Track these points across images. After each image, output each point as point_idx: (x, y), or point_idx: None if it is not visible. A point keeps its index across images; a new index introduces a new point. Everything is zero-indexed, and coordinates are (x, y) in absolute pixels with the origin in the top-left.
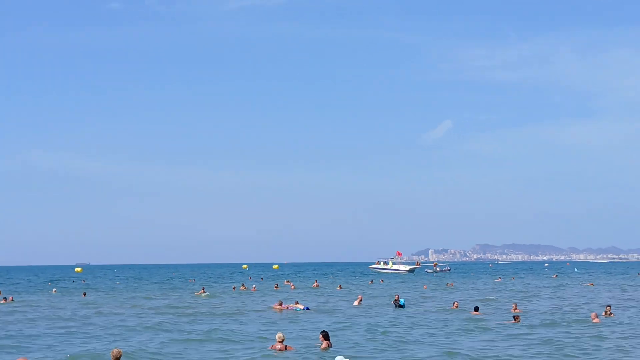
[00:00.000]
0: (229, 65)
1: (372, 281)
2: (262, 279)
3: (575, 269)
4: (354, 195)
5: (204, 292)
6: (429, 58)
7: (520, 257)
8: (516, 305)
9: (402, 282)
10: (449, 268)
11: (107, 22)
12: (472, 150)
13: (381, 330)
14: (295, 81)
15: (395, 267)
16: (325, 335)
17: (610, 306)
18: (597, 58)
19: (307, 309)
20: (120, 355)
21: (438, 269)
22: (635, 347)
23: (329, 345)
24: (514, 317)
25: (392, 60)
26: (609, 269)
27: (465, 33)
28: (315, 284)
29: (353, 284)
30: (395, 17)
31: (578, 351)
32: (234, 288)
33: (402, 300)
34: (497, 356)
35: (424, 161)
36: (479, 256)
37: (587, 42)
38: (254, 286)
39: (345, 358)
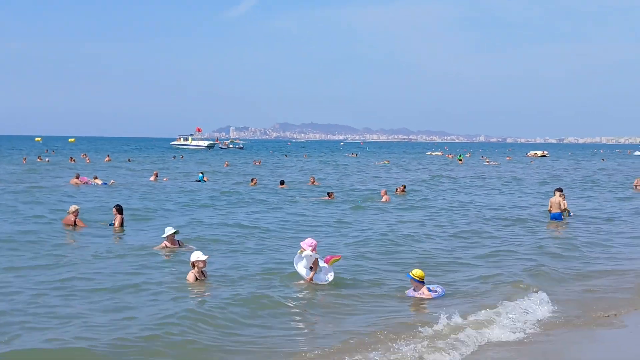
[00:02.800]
0: None
1: (174, 157)
2: (53, 152)
3: (367, 148)
4: (156, 71)
5: None
6: None
7: (318, 136)
8: (314, 179)
9: (203, 158)
10: (242, 146)
11: None
12: (276, 28)
13: (175, 203)
14: None
15: (194, 143)
16: (119, 209)
17: (405, 185)
18: None
19: (106, 184)
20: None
21: (231, 146)
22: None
23: (122, 219)
24: (328, 193)
25: None
26: (401, 148)
27: None
28: (107, 159)
29: (152, 160)
30: None
31: (356, 224)
32: (24, 160)
33: (200, 175)
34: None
35: (226, 38)
36: (278, 134)
37: None
38: (47, 159)
39: (205, 255)
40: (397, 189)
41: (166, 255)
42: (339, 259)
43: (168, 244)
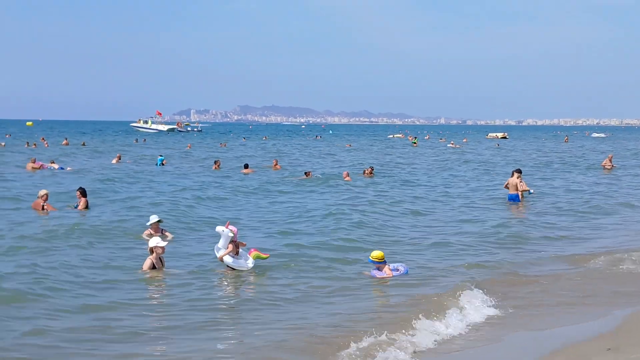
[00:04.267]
0: None
1: (136, 140)
2: (8, 135)
3: (330, 131)
4: (115, 53)
5: None
6: None
7: (279, 119)
8: (276, 162)
9: (164, 141)
10: (200, 129)
11: None
12: (234, 8)
13: (143, 185)
14: None
15: (154, 126)
16: (83, 192)
17: (372, 167)
18: None
19: (62, 169)
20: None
21: (189, 129)
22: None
23: (87, 203)
24: (305, 172)
25: None
26: (363, 131)
27: None
28: (65, 142)
29: (113, 143)
30: None
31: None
32: None
33: (159, 159)
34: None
35: (184, 17)
36: (239, 117)
37: None
38: (2, 143)
39: (164, 241)
40: (365, 171)
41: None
42: (265, 258)
43: (152, 232)
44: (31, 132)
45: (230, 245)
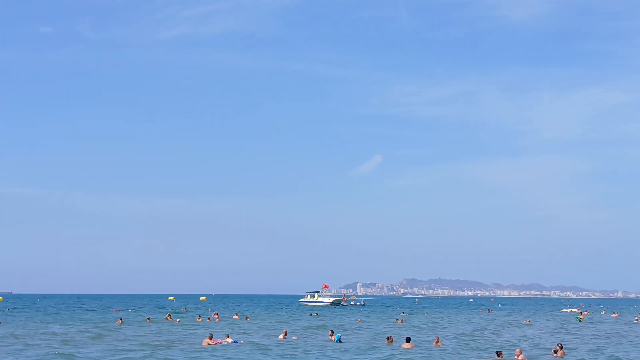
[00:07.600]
0: (156, 94)
1: (311, 314)
2: (184, 309)
3: (499, 305)
4: (285, 228)
5: (121, 321)
6: (359, 92)
7: (446, 292)
8: (438, 339)
9: (334, 315)
10: (363, 302)
11: (36, 46)
12: (401, 185)
13: None
14: (224, 113)
15: (320, 299)
16: None
17: (561, 344)
18: (521, 97)
19: (236, 342)
20: None
21: (352, 303)
22: None
23: None
24: (497, 353)
25: (321, 94)
26: (533, 304)
27: (395, 68)
28: (235, 316)
29: (279, 317)
30: (326, 50)
31: None
32: (148, 319)
33: (337, 335)
34: None
35: (353, 195)
36: (405, 290)
37: (512, 82)
38: (178, 319)
39: None
40: (554, 351)
41: None
42: None
43: None
44: (205, 306)
45: None
